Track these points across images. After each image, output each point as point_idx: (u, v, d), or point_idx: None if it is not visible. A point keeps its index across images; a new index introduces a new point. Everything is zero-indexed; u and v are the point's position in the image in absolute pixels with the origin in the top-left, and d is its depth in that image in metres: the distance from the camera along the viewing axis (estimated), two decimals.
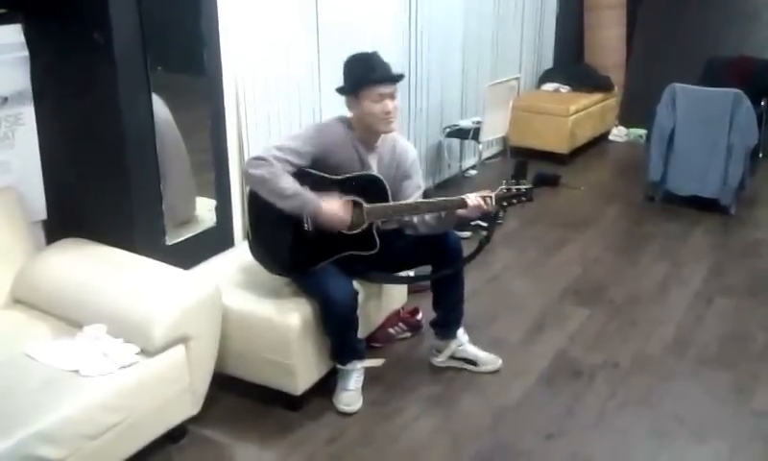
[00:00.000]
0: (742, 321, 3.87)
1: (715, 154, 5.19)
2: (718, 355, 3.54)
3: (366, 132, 3.05)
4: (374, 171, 3.07)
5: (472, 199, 2.96)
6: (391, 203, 3.02)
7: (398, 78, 3.04)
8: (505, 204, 3.02)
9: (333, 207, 2.96)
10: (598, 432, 3.00)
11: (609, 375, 3.38)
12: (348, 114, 3.09)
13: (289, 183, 2.91)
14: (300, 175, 2.96)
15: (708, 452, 2.91)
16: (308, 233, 3.01)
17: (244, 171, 3.05)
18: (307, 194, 2.92)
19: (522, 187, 3.02)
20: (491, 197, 2.99)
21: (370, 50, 3.14)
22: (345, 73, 3.06)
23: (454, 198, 3.01)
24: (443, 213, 3.05)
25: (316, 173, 2.99)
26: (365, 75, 2.99)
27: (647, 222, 5.24)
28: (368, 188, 3.01)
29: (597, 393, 3.25)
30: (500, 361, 3.39)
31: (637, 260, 4.61)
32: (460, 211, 3.00)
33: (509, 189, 3.01)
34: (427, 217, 3.10)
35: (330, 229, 2.98)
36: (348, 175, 3.01)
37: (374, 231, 3.05)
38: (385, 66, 3.04)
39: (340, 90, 3.07)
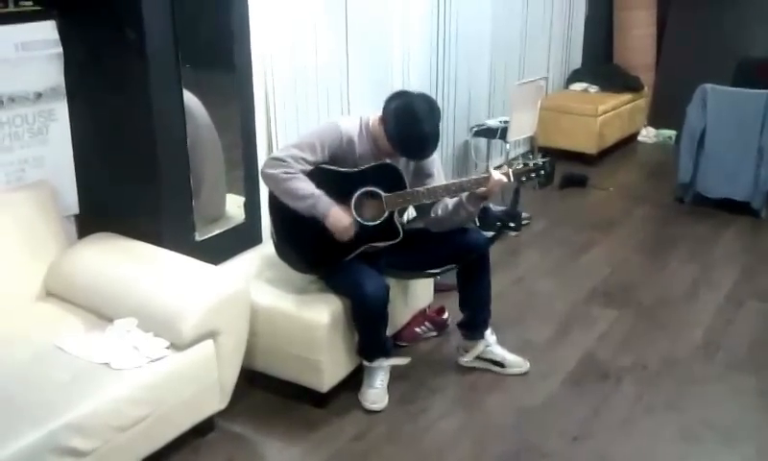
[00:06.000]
0: None
1: (746, 156, 5.13)
2: (747, 359, 3.50)
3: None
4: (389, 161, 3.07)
5: (496, 173, 2.97)
6: (408, 189, 3.02)
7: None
8: (524, 178, 3.06)
9: (340, 216, 2.95)
10: (625, 435, 2.98)
11: (636, 377, 3.36)
12: (372, 117, 3.05)
13: (304, 185, 2.92)
14: (318, 171, 2.98)
15: (735, 457, 2.88)
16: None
17: (261, 171, 3.07)
18: (322, 197, 2.93)
19: (540, 161, 3.04)
20: (507, 173, 3.00)
21: (426, 109, 2.95)
22: (394, 117, 2.93)
23: (473, 177, 3.03)
24: (464, 197, 3.05)
25: (333, 168, 3.01)
26: (411, 150, 2.98)
27: (676, 224, 5.19)
28: (384, 178, 3.01)
29: (624, 395, 3.23)
30: (528, 364, 3.37)
31: (666, 262, 4.57)
32: (480, 191, 3.00)
33: (526, 164, 3.05)
34: (450, 205, 3.10)
35: (334, 235, 2.98)
36: (364, 166, 3.02)
37: (396, 220, 3.06)
38: (433, 145, 2.99)
39: (383, 115, 2.98)
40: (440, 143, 5.30)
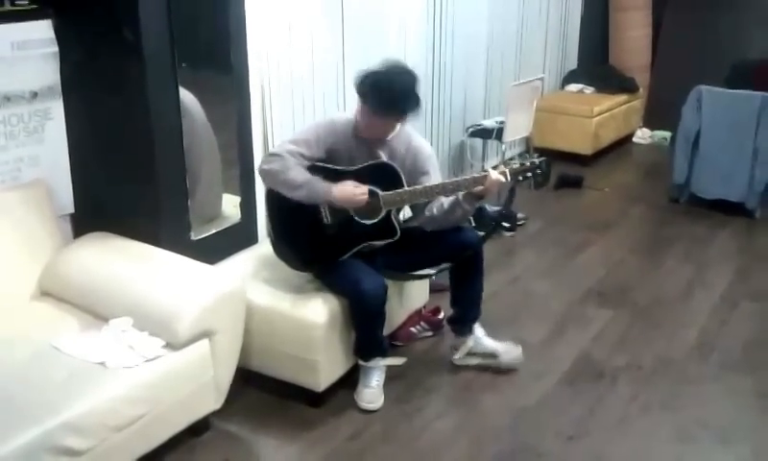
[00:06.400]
0: (767, 326, 3.82)
1: (741, 157, 5.15)
2: (742, 360, 3.51)
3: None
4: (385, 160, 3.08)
5: (494, 172, 2.97)
6: (406, 188, 3.02)
7: (405, 114, 3.01)
8: (521, 177, 3.06)
9: (346, 188, 2.96)
10: (620, 434, 2.99)
11: (631, 377, 3.36)
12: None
13: (300, 174, 2.93)
14: (314, 169, 2.98)
15: (730, 457, 2.89)
16: (328, 227, 3.03)
17: (258, 168, 3.08)
18: (318, 182, 2.94)
19: (536, 160, 3.05)
20: (505, 172, 3.01)
21: (401, 64, 3.02)
22: (366, 83, 2.96)
23: (470, 176, 3.02)
24: (460, 196, 3.04)
25: (330, 166, 3.01)
26: (378, 103, 2.94)
27: (671, 224, 5.20)
28: (382, 176, 3.02)
29: (619, 395, 3.24)
30: (520, 348, 3.39)
31: (661, 263, 4.58)
32: (477, 190, 2.99)
33: (523, 163, 3.06)
34: (446, 204, 3.10)
35: (349, 207, 2.98)
36: (361, 165, 3.03)
37: (393, 218, 3.07)
38: (407, 101, 2.96)
39: (356, 86, 3.00)
40: (436, 144, 5.35)
